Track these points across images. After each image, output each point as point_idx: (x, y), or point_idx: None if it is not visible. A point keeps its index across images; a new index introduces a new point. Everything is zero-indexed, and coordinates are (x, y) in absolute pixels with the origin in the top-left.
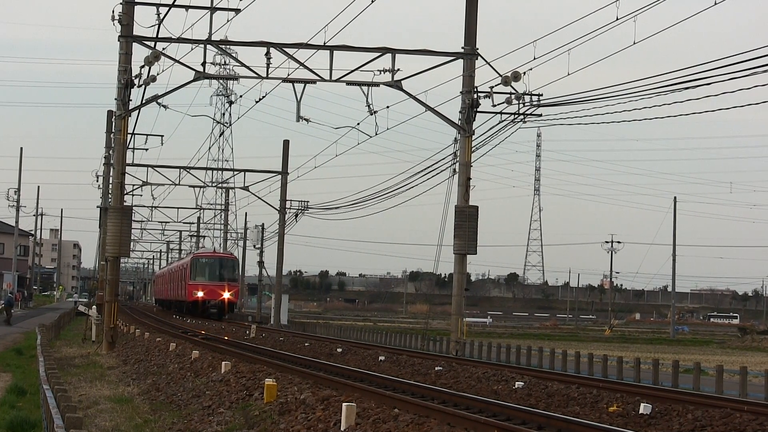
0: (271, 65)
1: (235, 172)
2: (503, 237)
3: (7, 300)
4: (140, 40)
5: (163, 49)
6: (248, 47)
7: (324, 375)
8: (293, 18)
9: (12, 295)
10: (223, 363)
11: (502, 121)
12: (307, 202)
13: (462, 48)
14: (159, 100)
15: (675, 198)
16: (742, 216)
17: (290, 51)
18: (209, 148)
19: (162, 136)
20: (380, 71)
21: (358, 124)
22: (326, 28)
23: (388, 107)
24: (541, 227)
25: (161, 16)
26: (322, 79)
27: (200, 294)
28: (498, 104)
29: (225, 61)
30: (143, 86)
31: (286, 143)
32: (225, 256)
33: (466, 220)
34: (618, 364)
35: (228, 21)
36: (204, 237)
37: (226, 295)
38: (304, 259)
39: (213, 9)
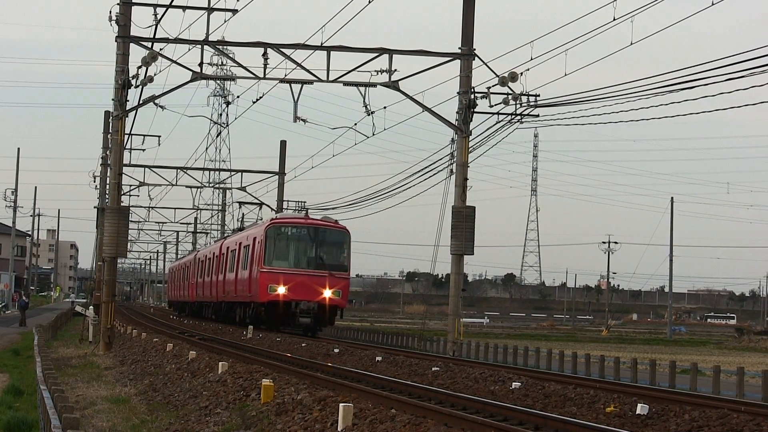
0: (268, 66)
1: (232, 173)
2: (500, 237)
3: (22, 303)
4: (137, 40)
5: (161, 49)
6: (245, 48)
7: (321, 375)
8: (290, 18)
9: (27, 299)
10: (220, 363)
11: (500, 121)
12: (305, 202)
13: (459, 48)
14: (156, 101)
15: (672, 198)
16: (740, 216)
17: (287, 51)
18: (206, 148)
19: (159, 136)
20: (377, 72)
21: (356, 124)
22: (323, 28)
23: (385, 108)
24: (538, 228)
25: (158, 17)
26: (319, 80)
27: (282, 291)
28: (495, 105)
29: (222, 62)
30: (140, 87)
31: (283, 144)
32: (327, 225)
33: (463, 220)
34: (615, 365)
35: (225, 21)
36: (207, 233)
37: (328, 293)
38: None
39: (210, 9)
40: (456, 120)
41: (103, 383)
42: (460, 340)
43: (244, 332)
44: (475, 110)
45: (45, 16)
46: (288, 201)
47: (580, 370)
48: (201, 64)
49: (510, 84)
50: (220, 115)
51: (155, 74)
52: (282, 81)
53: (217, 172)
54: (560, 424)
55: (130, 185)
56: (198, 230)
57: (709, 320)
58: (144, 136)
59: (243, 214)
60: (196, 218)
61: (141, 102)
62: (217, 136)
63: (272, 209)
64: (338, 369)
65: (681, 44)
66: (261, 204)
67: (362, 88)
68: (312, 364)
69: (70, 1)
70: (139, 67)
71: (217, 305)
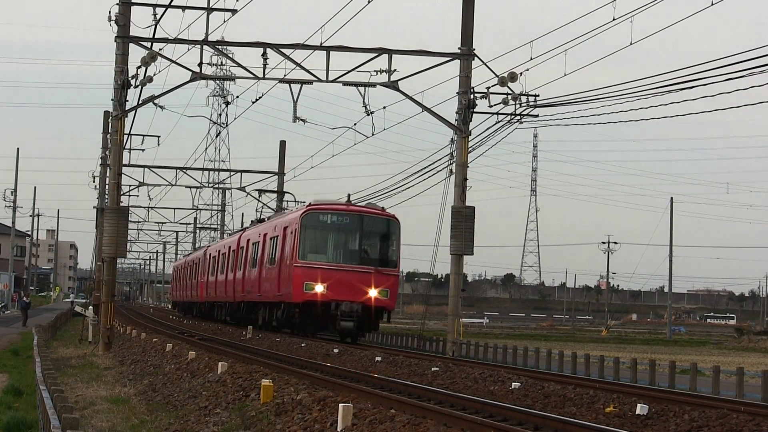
0: (267, 66)
1: (232, 173)
2: (500, 237)
3: (23, 304)
4: (137, 40)
5: (160, 49)
6: (245, 48)
7: (320, 376)
8: (290, 18)
9: (28, 300)
10: (220, 364)
11: (499, 121)
12: (304, 203)
13: (459, 48)
14: (155, 101)
15: (672, 198)
16: (739, 217)
17: (287, 51)
18: (206, 148)
19: (158, 136)
20: (377, 72)
21: (355, 124)
22: (323, 28)
23: (384, 108)
24: (538, 228)
25: (158, 17)
26: (319, 80)
27: (320, 289)
28: (495, 105)
29: (221, 62)
30: (140, 87)
31: (282, 144)
32: (374, 212)
33: (463, 220)
34: (615, 365)
35: (224, 21)
36: (216, 228)
37: (373, 293)
38: None
39: (209, 9)
40: (455, 120)
41: (103, 383)
42: (460, 341)
43: (244, 332)
44: (475, 110)
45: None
46: (287, 201)
47: (580, 371)
48: (200, 64)
49: (509, 84)
50: (220, 115)
51: (155, 74)
52: (281, 81)
53: (216, 172)
54: (560, 424)
55: (130, 185)
56: (204, 226)
57: (708, 320)
58: (143, 136)
59: (262, 205)
60: (195, 218)
61: (140, 102)
62: (216, 136)
63: (296, 200)
64: (338, 369)
65: (681, 44)
66: (283, 193)
67: (362, 88)
68: (312, 365)
69: (69, 2)
70: (139, 67)
71: (235, 306)
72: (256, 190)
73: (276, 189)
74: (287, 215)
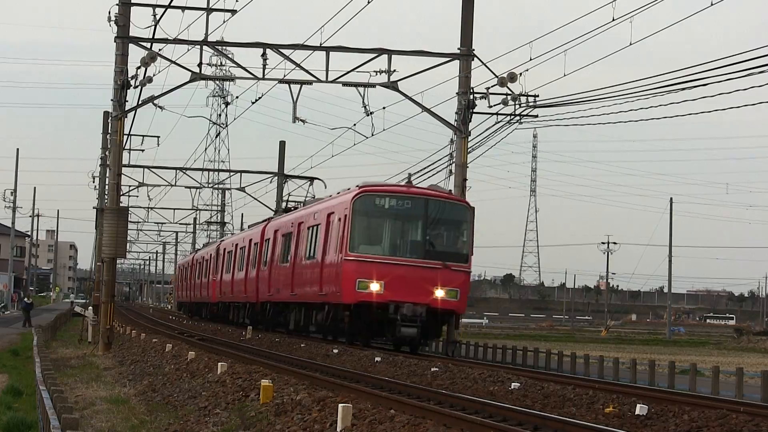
0: (267, 66)
1: (232, 173)
2: (499, 238)
3: (25, 305)
4: (136, 41)
5: (160, 50)
6: (244, 48)
7: (320, 376)
8: (289, 19)
9: (30, 301)
10: (219, 364)
11: (499, 122)
12: (331, 196)
13: (458, 49)
14: (155, 101)
15: (671, 199)
16: (739, 217)
17: (286, 52)
18: (205, 149)
19: (158, 137)
20: (376, 72)
21: (355, 125)
22: (322, 29)
23: (384, 108)
24: (538, 228)
25: (157, 17)
26: (319, 80)
27: (375, 288)
28: (494, 105)
29: (221, 62)
30: (139, 87)
31: (282, 144)
32: (442, 196)
33: None
34: (614, 365)
35: (224, 22)
36: (227, 223)
37: (440, 293)
38: None
39: (209, 10)
40: (455, 120)
41: (102, 384)
42: (459, 341)
43: (243, 332)
44: (474, 111)
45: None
46: (287, 201)
47: (579, 371)
48: (200, 65)
49: (509, 84)
50: (219, 115)
51: (154, 75)
52: (281, 81)
53: (216, 173)
54: (559, 424)
55: (130, 186)
56: (212, 221)
57: (708, 321)
58: (143, 136)
59: (289, 193)
60: (195, 219)
61: (140, 102)
62: (216, 137)
63: (270, 208)
64: (337, 369)
65: (680, 44)
66: (312, 179)
67: (361, 89)
68: (311, 365)
69: (69, 2)
70: (138, 68)
71: (258, 307)
72: (284, 175)
73: (275, 188)
74: (331, 200)
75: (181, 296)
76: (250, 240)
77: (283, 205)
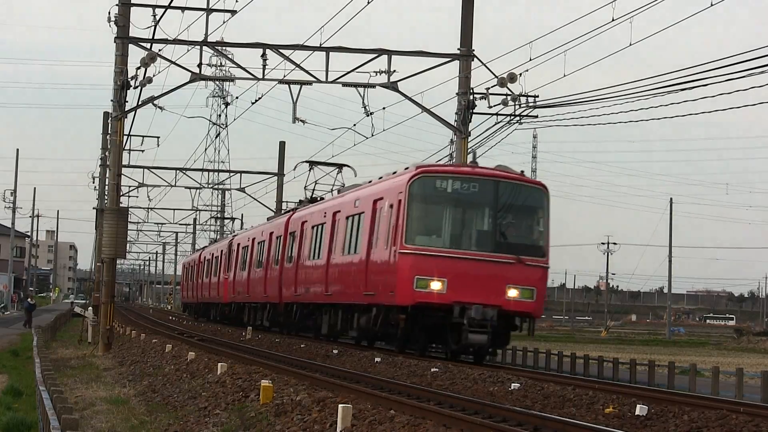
0: (267, 66)
1: (231, 174)
2: None
3: (28, 306)
4: (136, 41)
5: (159, 50)
6: (244, 48)
7: (320, 376)
8: (289, 19)
9: (33, 302)
10: (219, 364)
11: (499, 122)
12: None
13: (458, 49)
14: (155, 102)
15: (671, 199)
16: (738, 217)
17: (286, 52)
18: (205, 149)
19: (158, 137)
20: (376, 72)
21: (354, 125)
22: (322, 29)
23: (384, 108)
24: None
25: (157, 18)
26: (318, 81)
27: (437, 287)
28: (494, 106)
29: (221, 63)
30: (139, 88)
31: (282, 144)
32: (514, 178)
33: None
34: (614, 366)
35: (224, 22)
36: (238, 218)
37: (513, 293)
38: None
39: (209, 10)
40: (455, 121)
41: (102, 384)
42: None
43: (243, 333)
44: (474, 111)
45: (44, 17)
46: (287, 202)
47: (579, 371)
48: (200, 65)
49: (509, 85)
50: (219, 116)
51: (154, 75)
52: (281, 82)
53: (216, 173)
54: (559, 424)
55: (129, 186)
56: (227, 217)
57: (708, 321)
58: (143, 137)
59: (315, 181)
60: (195, 219)
61: (140, 103)
62: (216, 137)
63: (350, 168)
64: (337, 370)
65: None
66: (341, 166)
67: (361, 89)
68: (311, 365)
69: (68, 2)
70: (138, 68)
71: (279, 309)
72: (307, 162)
73: (275, 189)
74: (378, 184)
75: (187, 296)
76: (271, 234)
77: (307, 194)
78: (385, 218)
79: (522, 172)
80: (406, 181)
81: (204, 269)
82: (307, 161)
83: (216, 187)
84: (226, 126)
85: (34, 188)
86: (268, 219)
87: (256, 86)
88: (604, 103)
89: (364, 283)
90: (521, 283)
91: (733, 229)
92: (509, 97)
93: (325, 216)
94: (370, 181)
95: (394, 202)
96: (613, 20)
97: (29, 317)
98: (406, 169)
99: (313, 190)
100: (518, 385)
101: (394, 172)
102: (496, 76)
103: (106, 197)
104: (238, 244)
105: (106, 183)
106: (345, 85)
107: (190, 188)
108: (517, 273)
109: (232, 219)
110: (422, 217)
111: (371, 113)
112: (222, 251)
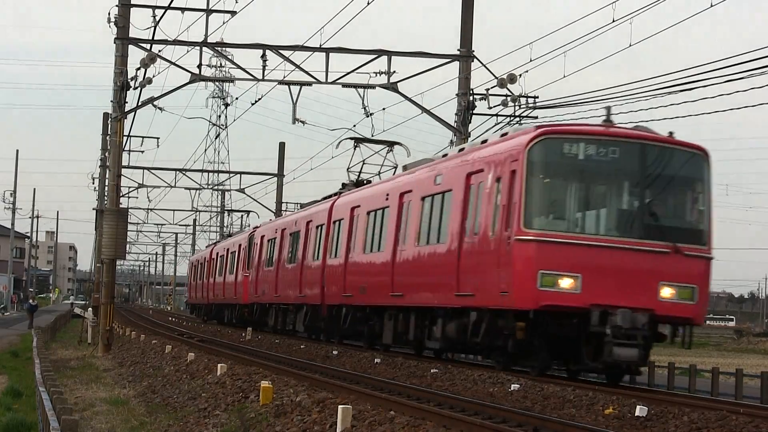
0: (266, 67)
1: (231, 174)
2: None
3: (29, 306)
4: (136, 42)
5: (159, 51)
6: (244, 49)
7: (320, 377)
8: (289, 20)
9: (35, 303)
10: (219, 365)
11: (498, 123)
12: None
13: (458, 50)
14: (155, 103)
15: None
16: (738, 218)
17: (286, 53)
18: (205, 150)
19: (158, 138)
20: (376, 73)
21: (354, 125)
22: (322, 30)
23: (384, 109)
24: None
25: (157, 18)
26: (318, 82)
27: (567, 285)
28: (494, 106)
29: (221, 64)
30: (139, 88)
31: (282, 145)
32: (665, 141)
33: None
34: None
35: (224, 23)
36: (248, 212)
37: (667, 292)
38: None
39: (209, 11)
40: (455, 122)
41: (102, 385)
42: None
43: (243, 334)
44: (474, 112)
45: (44, 19)
46: (287, 203)
47: None
48: (200, 66)
49: (509, 86)
50: (219, 116)
51: (154, 76)
52: (281, 83)
53: (215, 174)
54: (559, 425)
55: (129, 187)
56: (233, 209)
57: (707, 322)
58: (143, 137)
59: (363, 161)
60: (194, 220)
61: (140, 104)
62: (215, 138)
63: (402, 146)
64: (337, 371)
65: (680, 46)
66: (392, 143)
67: (361, 90)
68: (311, 366)
69: (68, 3)
70: (138, 69)
71: (320, 311)
72: (352, 138)
73: (275, 189)
74: (473, 152)
75: (195, 297)
76: (308, 223)
77: (351, 177)
78: (487, 196)
79: (671, 133)
80: (523, 146)
81: (217, 267)
82: (352, 138)
83: (216, 188)
84: (226, 127)
85: (34, 189)
86: (302, 206)
87: (256, 87)
88: (604, 103)
89: (456, 280)
90: (678, 279)
91: (732, 231)
92: (509, 98)
93: (387, 198)
94: (445, 155)
95: (503, 174)
96: (613, 21)
97: (31, 318)
98: (532, 128)
99: (360, 171)
100: (518, 386)
101: (484, 141)
102: (496, 77)
103: (105, 198)
104: (262, 237)
105: (106, 184)
106: (345, 85)
107: (189, 189)
108: (672, 266)
109: (248, 212)
110: (546, 192)
111: (371, 114)
112: (240, 246)
